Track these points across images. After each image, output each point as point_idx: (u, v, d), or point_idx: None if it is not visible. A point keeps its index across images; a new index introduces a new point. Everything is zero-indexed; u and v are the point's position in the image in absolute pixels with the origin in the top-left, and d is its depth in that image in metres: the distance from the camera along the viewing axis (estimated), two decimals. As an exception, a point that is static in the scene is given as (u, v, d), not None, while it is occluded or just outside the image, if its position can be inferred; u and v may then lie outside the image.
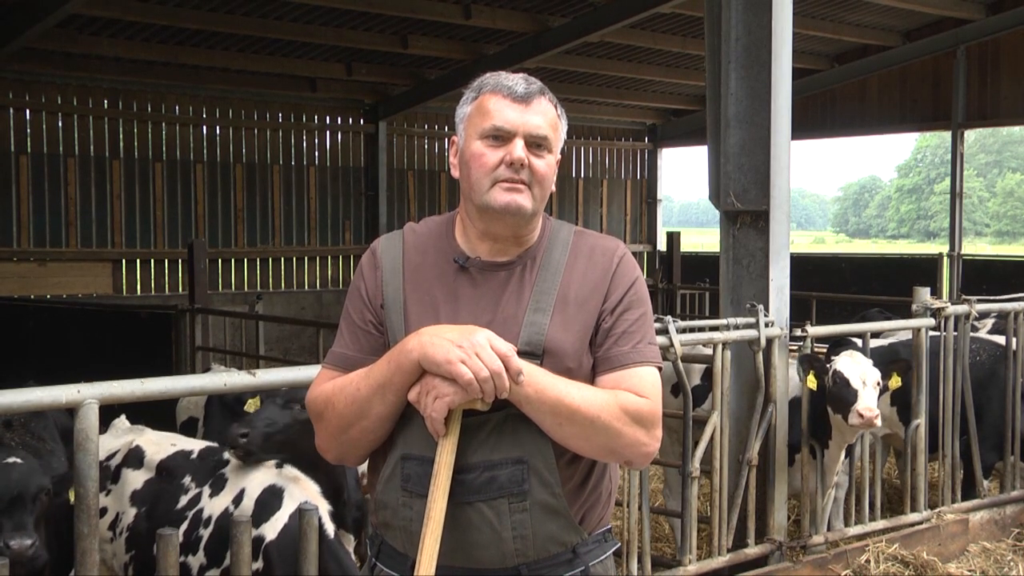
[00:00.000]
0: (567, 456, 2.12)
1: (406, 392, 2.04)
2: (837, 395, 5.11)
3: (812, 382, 5.20)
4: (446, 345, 1.97)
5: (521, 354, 2.05)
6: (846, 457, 5.54)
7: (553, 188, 2.22)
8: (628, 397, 2.09)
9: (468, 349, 1.96)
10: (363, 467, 4.62)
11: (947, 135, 15.66)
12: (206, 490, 3.94)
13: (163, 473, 4.14)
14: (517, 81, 2.18)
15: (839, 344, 6.71)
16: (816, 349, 6.03)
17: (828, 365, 5.22)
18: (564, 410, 2.03)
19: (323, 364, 2.25)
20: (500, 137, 2.14)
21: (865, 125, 16.37)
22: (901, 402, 6.24)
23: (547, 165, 2.17)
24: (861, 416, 4.96)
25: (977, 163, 69.72)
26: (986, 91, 14.77)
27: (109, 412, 3.94)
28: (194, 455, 4.13)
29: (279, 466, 3.94)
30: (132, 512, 4.13)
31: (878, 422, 5.01)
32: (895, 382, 5.32)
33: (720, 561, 5.06)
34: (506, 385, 1.97)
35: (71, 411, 3.09)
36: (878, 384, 5.10)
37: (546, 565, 2.12)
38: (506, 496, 2.08)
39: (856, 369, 5.09)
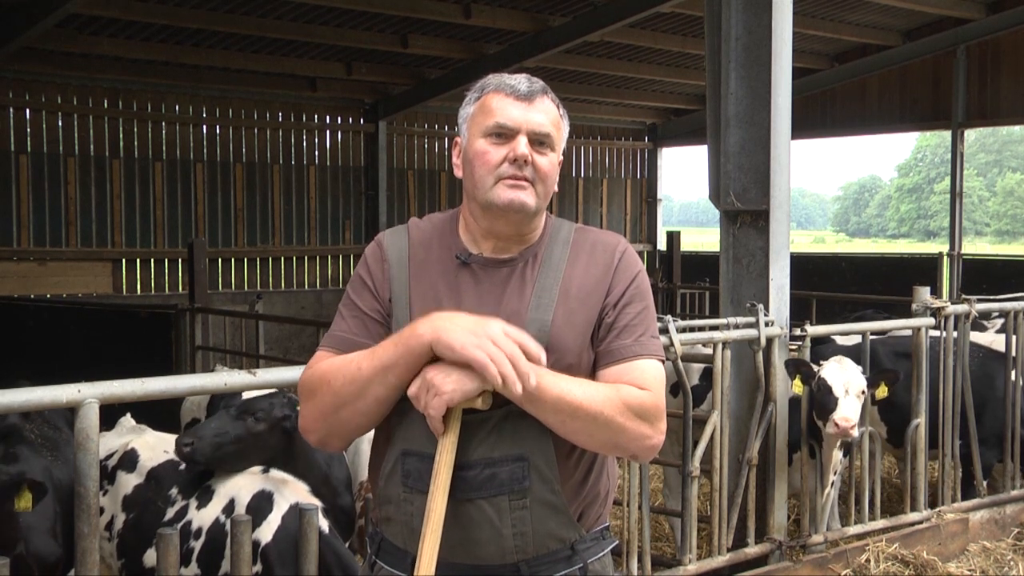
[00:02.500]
0: (567, 453, 2.13)
1: (410, 376, 2.02)
2: (820, 402, 5.12)
3: (798, 387, 5.19)
4: (461, 331, 1.96)
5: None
6: (845, 456, 5.54)
7: (556, 187, 2.23)
8: (630, 391, 2.09)
9: (482, 335, 1.95)
10: (355, 472, 4.68)
11: (947, 135, 15.66)
12: (193, 502, 3.93)
13: (152, 481, 4.13)
14: (520, 80, 2.20)
15: (822, 343, 6.65)
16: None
17: (816, 369, 5.20)
18: (566, 407, 2.03)
19: (321, 347, 2.21)
20: (503, 135, 2.15)
21: (865, 125, 16.36)
22: (882, 402, 6.18)
23: (550, 163, 2.18)
24: (837, 426, 4.97)
25: (977, 163, 69.71)
26: (986, 91, 14.77)
27: (110, 412, 3.94)
28: (182, 466, 4.11)
29: (265, 471, 3.94)
30: (122, 518, 4.13)
31: (854, 432, 5.00)
32: (882, 392, 5.29)
33: (720, 560, 5.06)
34: (525, 370, 1.94)
35: (72, 411, 3.10)
36: (863, 393, 5.08)
37: (545, 562, 2.13)
38: (507, 493, 2.08)
39: (840, 377, 5.07)
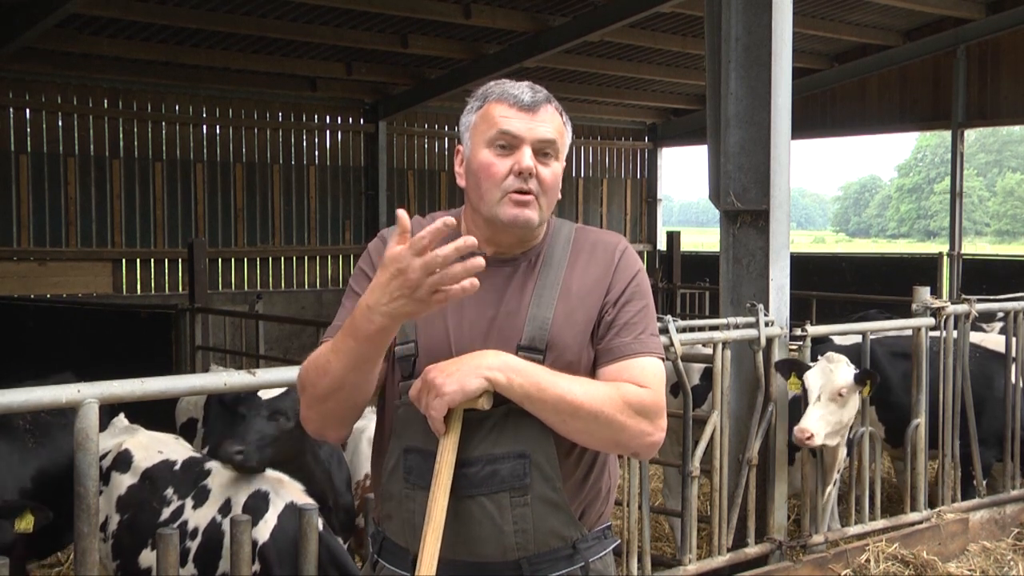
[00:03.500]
0: (569, 451, 2.13)
1: (377, 356, 2.01)
2: (800, 404, 5.12)
3: (795, 385, 5.17)
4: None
5: (524, 349, 2.08)
6: (848, 455, 5.53)
7: (559, 195, 2.23)
8: (630, 389, 2.10)
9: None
10: (354, 471, 4.68)
11: (947, 135, 15.67)
12: (189, 502, 3.92)
13: (146, 481, 4.11)
14: (523, 89, 2.18)
15: (821, 343, 6.64)
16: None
17: (811, 365, 5.18)
18: (566, 407, 2.03)
19: (323, 339, 2.21)
20: (508, 146, 2.14)
21: (865, 125, 16.37)
22: (882, 402, 6.17)
23: (553, 173, 2.17)
24: (797, 436, 4.97)
25: (977, 163, 69.70)
26: (986, 91, 14.77)
27: (109, 411, 3.94)
28: (177, 466, 4.10)
29: (261, 471, 3.94)
30: (116, 519, 4.11)
31: (814, 442, 4.97)
32: (865, 391, 5.27)
33: (720, 561, 5.06)
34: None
35: (71, 411, 3.10)
36: (842, 394, 5.04)
37: (546, 560, 2.13)
38: (507, 490, 2.08)
39: (817, 381, 5.05)
